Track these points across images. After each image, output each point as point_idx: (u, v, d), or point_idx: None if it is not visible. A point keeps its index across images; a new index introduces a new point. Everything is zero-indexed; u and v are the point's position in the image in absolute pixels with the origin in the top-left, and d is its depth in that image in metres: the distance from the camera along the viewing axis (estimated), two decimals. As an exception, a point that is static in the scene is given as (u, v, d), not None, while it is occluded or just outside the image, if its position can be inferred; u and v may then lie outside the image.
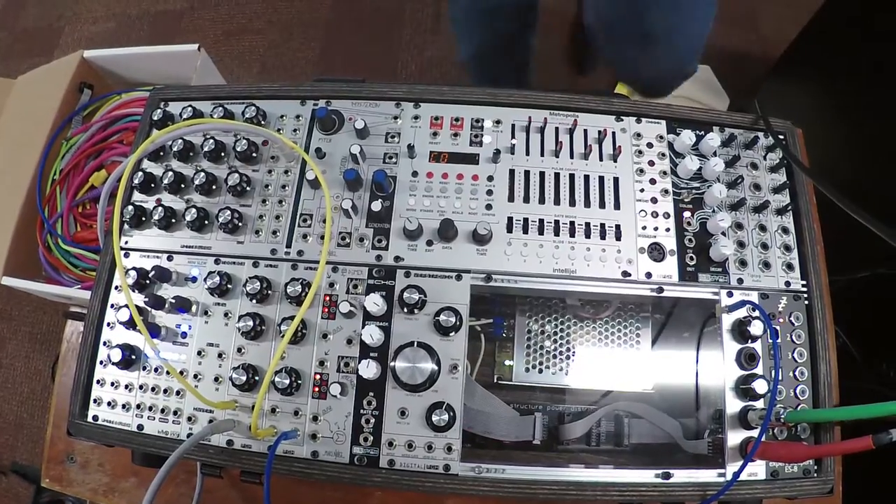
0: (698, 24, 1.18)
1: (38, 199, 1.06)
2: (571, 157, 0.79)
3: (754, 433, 0.70)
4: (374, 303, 0.70)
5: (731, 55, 2.22)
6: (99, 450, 0.93)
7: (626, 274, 0.74)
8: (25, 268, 1.05)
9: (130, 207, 0.78)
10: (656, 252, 0.75)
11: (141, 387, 0.74)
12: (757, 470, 0.70)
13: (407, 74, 2.23)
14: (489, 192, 0.77)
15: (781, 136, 0.81)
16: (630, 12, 1.18)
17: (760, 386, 0.69)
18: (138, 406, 0.73)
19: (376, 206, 0.75)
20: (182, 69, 1.13)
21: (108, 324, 0.76)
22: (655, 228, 0.76)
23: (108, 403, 0.74)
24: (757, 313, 0.71)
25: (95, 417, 0.74)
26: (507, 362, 0.81)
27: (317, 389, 0.70)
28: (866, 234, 0.61)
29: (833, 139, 1.45)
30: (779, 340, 0.72)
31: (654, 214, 0.76)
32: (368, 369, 0.68)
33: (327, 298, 0.73)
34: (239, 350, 0.73)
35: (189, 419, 0.72)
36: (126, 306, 0.72)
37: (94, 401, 0.75)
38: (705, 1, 1.15)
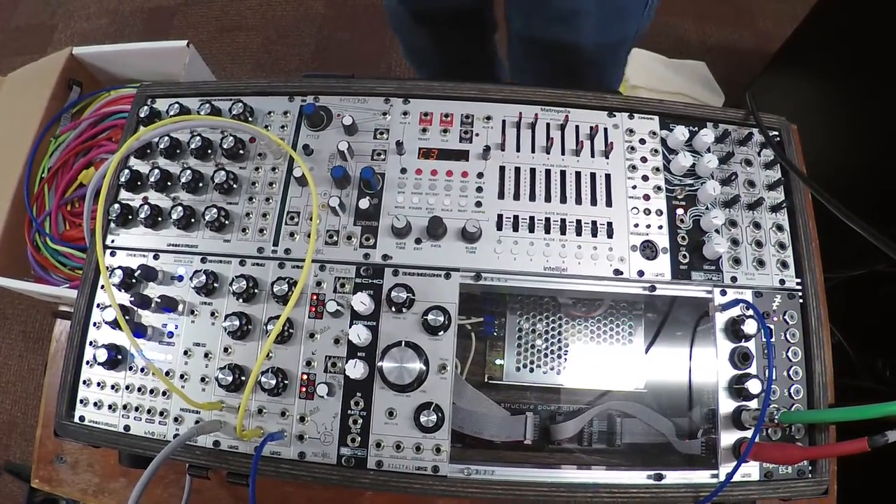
0: None
1: (27, 197, 1.05)
2: (563, 153, 0.78)
3: (748, 433, 0.69)
4: (362, 302, 0.69)
5: (727, 51, 2.22)
6: (88, 450, 0.92)
7: (617, 272, 0.73)
8: (14, 267, 1.04)
9: (117, 206, 0.76)
10: (649, 250, 0.74)
11: (127, 387, 0.73)
12: (750, 471, 0.69)
13: (400, 73, 2.22)
14: (479, 189, 0.76)
15: (776, 133, 0.80)
16: None
17: (754, 386, 0.68)
18: (125, 407, 0.72)
19: (364, 203, 0.74)
20: (172, 66, 1.12)
21: (95, 323, 0.75)
22: (648, 226, 0.75)
23: (95, 404, 0.73)
24: (751, 312, 0.71)
25: (82, 418, 0.73)
26: (498, 361, 0.80)
27: (304, 390, 0.70)
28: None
29: (828, 134, 1.45)
30: (773, 339, 0.71)
31: (647, 212, 0.75)
32: (356, 369, 0.67)
33: (314, 297, 0.72)
34: (225, 350, 0.72)
35: (176, 420, 0.71)
36: (112, 306, 0.71)
37: (81, 401, 0.74)
38: None
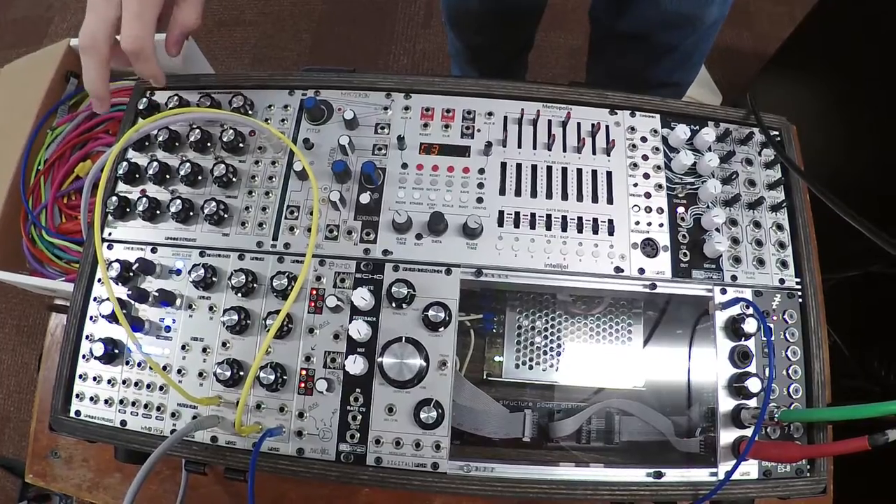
0: None
1: (22, 189, 1.04)
2: (564, 150, 0.78)
3: (747, 432, 0.69)
4: (362, 297, 0.68)
5: (725, 52, 2.22)
6: (83, 445, 0.92)
7: (618, 269, 0.73)
8: (9, 260, 1.03)
9: (114, 198, 0.76)
10: (649, 248, 0.74)
11: (124, 382, 0.72)
12: (749, 469, 0.69)
13: (399, 67, 2.22)
14: (480, 185, 0.76)
15: (776, 132, 0.80)
16: None
17: (754, 384, 0.68)
18: (121, 401, 0.72)
19: (365, 198, 0.73)
20: (170, 58, 1.11)
21: (91, 317, 0.74)
22: (649, 224, 0.75)
23: (91, 398, 0.73)
24: (751, 310, 0.71)
25: (78, 413, 0.73)
26: (497, 358, 0.80)
27: (303, 385, 0.69)
28: (858, 233, 0.60)
29: (824, 137, 1.45)
30: (773, 338, 0.71)
31: (648, 209, 0.75)
32: (355, 365, 0.67)
33: (314, 292, 0.71)
34: (224, 344, 0.71)
35: (173, 415, 0.71)
36: (109, 299, 0.71)
37: (77, 396, 0.73)
38: None
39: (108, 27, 0.68)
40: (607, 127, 0.79)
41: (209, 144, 0.78)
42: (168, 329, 0.73)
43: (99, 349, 0.71)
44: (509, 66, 1.69)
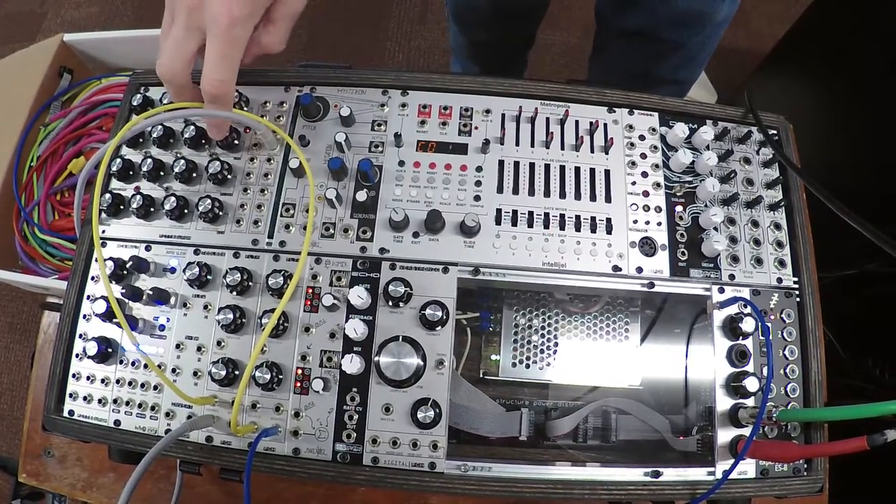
0: None
1: (15, 186, 1.03)
2: (562, 148, 0.77)
3: (744, 431, 0.69)
4: (358, 296, 0.68)
5: (721, 50, 2.21)
6: (77, 444, 0.91)
7: (616, 268, 0.72)
8: (2, 257, 1.03)
9: (108, 195, 0.75)
10: (647, 246, 0.74)
11: (118, 381, 0.71)
12: (747, 468, 0.69)
13: (394, 64, 2.21)
14: (478, 183, 0.75)
15: (774, 131, 0.80)
16: None
17: (751, 383, 0.68)
18: (115, 401, 0.71)
19: (361, 195, 0.73)
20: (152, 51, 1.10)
21: (84, 316, 0.73)
22: (647, 222, 0.74)
23: (84, 398, 0.72)
24: (749, 310, 0.70)
25: (71, 412, 0.72)
26: (494, 357, 0.80)
27: (298, 385, 0.69)
28: (854, 231, 0.60)
29: (820, 135, 1.45)
30: (771, 337, 0.71)
31: (646, 208, 0.75)
32: (352, 364, 0.66)
33: (310, 291, 0.71)
34: (219, 343, 0.71)
35: (167, 415, 0.70)
36: (102, 297, 0.70)
37: (70, 395, 0.72)
38: None
39: (185, 62, 0.66)
40: (605, 125, 0.78)
41: (204, 141, 0.77)
42: (162, 328, 0.72)
43: (92, 348, 0.70)
44: (511, 61, 1.69)
